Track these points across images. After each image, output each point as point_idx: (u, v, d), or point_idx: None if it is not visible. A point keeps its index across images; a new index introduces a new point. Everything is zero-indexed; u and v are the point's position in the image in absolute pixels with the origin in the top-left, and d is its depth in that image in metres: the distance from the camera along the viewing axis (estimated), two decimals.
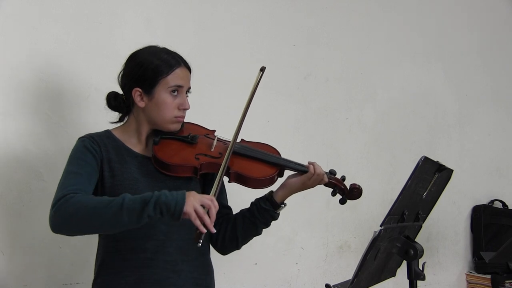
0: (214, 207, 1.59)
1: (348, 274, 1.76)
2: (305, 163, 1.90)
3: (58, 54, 2.27)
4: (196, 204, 1.57)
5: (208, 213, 1.58)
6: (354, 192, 1.93)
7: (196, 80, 2.63)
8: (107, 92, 1.89)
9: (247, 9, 2.85)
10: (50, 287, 2.22)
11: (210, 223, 1.57)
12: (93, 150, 1.75)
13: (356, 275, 1.64)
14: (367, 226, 3.04)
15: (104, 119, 1.93)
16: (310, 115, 3.02)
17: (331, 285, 1.82)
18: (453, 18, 3.66)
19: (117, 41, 2.40)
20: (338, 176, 1.95)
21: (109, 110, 1.90)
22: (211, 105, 2.64)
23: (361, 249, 1.68)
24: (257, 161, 1.86)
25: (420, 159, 1.71)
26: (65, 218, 1.58)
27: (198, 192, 1.83)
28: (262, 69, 1.86)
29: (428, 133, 3.48)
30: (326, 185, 1.91)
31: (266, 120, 2.84)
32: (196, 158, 1.80)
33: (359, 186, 1.94)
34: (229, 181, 1.85)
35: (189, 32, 2.65)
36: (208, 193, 1.89)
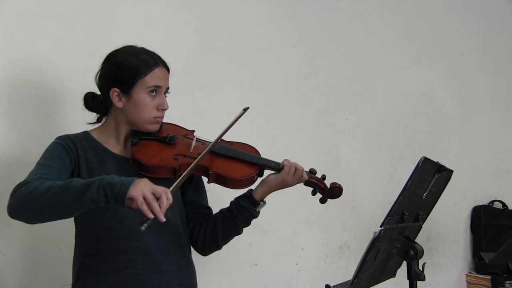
0: (167, 198, 1.50)
1: (348, 274, 1.76)
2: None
3: (58, 54, 2.27)
4: (146, 190, 1.49)
5: (159, 202, 1.50)
6: (334, 191, 1.92)
7: (195, 80, 2.64)
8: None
9: (247, 10, 2.85)
10: (50, 287, 2.22)
11: (159, 210, 1.48)
12: (68, 148, 1.75)
13: (356, 275, 1.64)
14: (367, 226, 3.03)
15: (87, 119, 1.93)
16: (310, 115, 3.02)
17: (331, 285, 1.83)
18: (453, 18, 3.65)
19: (117, 41, 2.39)
20: (318, 175, 1.93)
21: (87, 110, 1.90)
22: (210, 105, 2.64)
23: (361, 249, 1.68)
24: (237, 161, 1.85)
25: (420, 159, 1.71)
26: (18, 201, 1.56)
27: (177, 194, 1.84)
28: (245, 109, 1.84)
29: (428, 133, 3.48)
30: (306, 184, 1.90)
31: (266, 121, 2.84)
32: (174, 159, 1.78)
33: (339, 185, 1.93)
34: (208, 182, 1.84)
35: (189, 33, 2.65)
36: (188, 196, 1.90)
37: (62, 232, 2.21)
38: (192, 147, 1.84)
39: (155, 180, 1.69)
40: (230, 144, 1.91)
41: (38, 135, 2.20)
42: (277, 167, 1.87)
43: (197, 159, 1.72)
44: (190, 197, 1.91)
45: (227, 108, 2.65)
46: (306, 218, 2.94)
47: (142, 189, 1.49)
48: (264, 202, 1.88)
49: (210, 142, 1.82)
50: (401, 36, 3.41)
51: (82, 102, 1.91)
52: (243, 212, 1.84)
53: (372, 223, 2.95)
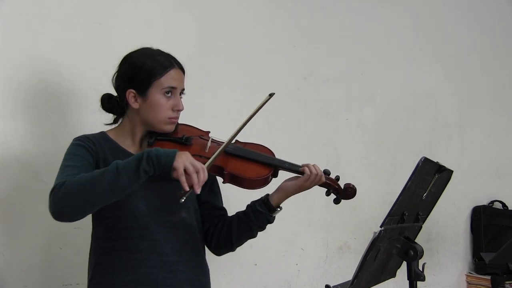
0: (204, 174, 1.59)
1: (348, 275, 1.76)
2: (292, 161, 1.90)
3: (58, 54, 2.27)
4: (187, 162, 1.58)
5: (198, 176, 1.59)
6: (348, 192, 1.92)
7: (196, 80, 2.64)
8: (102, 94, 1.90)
9: (247, 10, 2.85)
10: (50, 287, 2.22)
11: (197, 182, 1.57)
12: (88, 147, 1.77)
13: (356, 275, 1.64)
14: (367, 227, 3.03)
15: (104, 120, 1.93)
16: (310, 115, 3.02)
17: (331, 286, 1.83)
18: (453, 18, 3.66)
19: (117, 41, 2.39)
20: (332, 176, 1.94)
21: (104, 112, 1.91)
22: (211, 106, 2.64)
23: (361, 250, 1.68)
24: (251, 162, 1.85)
25: (420, 160, 1.71)
26: (65, 199, 1.58)
27: (193, 196, 1.86)
28: (271, 95, 1.87)
29: (428, 134, 3.48)
30: (320, 185, 1.90)
31: (266, 121, 2.84)
32: None
33: (353, 185, 1.93)
34: (223, 182, 1.85)
35: (189, 33, 2.65)
36: (203, 197, 1.92)
37: (62, 232, 2.21)
38: (208, 147, 1.85)
39: (171, 181, 1.73)
40: (245, 145, 1.92)
41: (38, 135, 2.20)
42: (294, 169, 1.87)
43: (229, 139, 1.77)
44: (205, 198, 1.93)
45: (227, 108, 2.66)
46: (306, 219, 2.95)
47: (184, 161, 1.58)
48: (281, 208, 1.88)
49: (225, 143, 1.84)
50: (401, 36, 3.41)
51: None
52: (259, 218, 1.85)
53: (372, 223, 2.96)
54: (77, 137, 1.81)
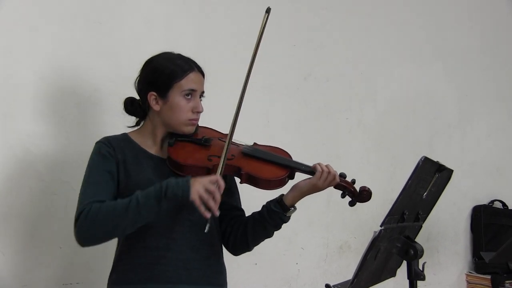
0: (219, 190, 1.68)
1: (348, 274, 1.76)
2: (308, 163, 1.91)
3: (58, 54, 2.27)
4: (201, 190, 1.66)
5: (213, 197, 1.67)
6: (363, 195, 1.94)
7: None
8: (124, 98, 1.94)
9: (247, 9, 2.84)
10: (50, 287, 2.22)
11: (214, 207, 1.66)
12: (109, 155, 1.81)
13: (356, 275, 1.64)
14: (367, 226, 3.03)
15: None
16: (310, 115, 3.02)
17: (331, 285, 1.83)
18: (453, 18, 3.66)
19: (117, 41, 2.39)
20: (348, 179, 1.95)
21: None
22: (210, 106, 2.64)
23: (361, 249, 1.68)
24: (268, 163, 1.89)
25: (420, 159, 1.71)
26: (91, 229, 1.69)
27: None
28: (268, 11, 1.92)
29: (428, 133, 3.48)
30: (336, 187, 1.92)
31: (266, 120, 2.84)
32: (209, 159, 1.84)
33: (369, 188, 1.94)
34: (240, 182, 1.88)
35: (188, 33, 2.65)
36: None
37: (62, 232, 2.21)
38: None
39: None
40: (263, 148, 1.95)
41: (38, 135, 2.20)
42: (309, 170, 1.89)
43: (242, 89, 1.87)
44: (223, 198, 1.93)
45: (228, 108, 2.66)
46: (307, 218, 2.94)
47: (198, 190, 1.67)
48: (295, 208, 1.91)
49: (243, 145, 1.89)
50: (401, 36, 3.41)
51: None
52: (274, 217, 1.88)
53: (372, 222, 2.95)
54: (99, 141, 1.86)
